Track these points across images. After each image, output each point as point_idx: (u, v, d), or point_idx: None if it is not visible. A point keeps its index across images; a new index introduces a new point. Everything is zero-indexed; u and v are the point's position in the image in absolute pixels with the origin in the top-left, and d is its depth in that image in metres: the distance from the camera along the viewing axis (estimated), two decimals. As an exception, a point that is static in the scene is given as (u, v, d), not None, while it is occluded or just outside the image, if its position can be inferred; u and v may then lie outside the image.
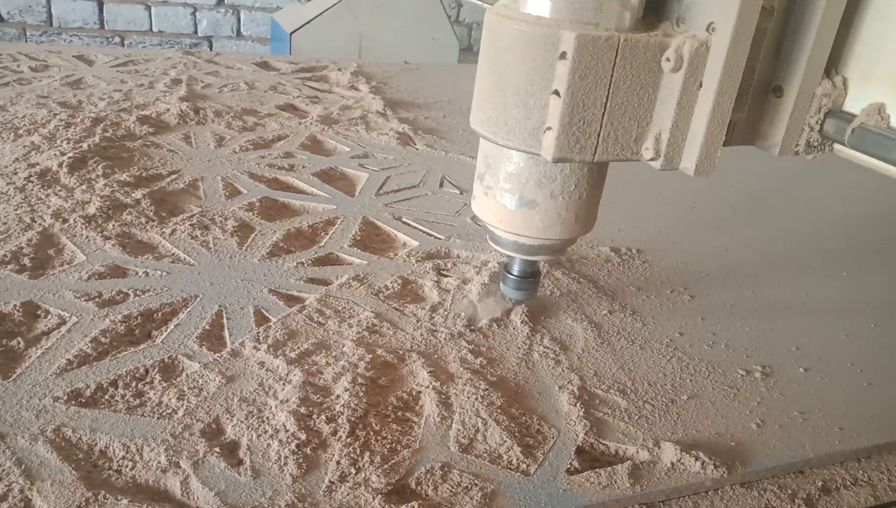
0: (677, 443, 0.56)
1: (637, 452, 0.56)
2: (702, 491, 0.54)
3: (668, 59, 0.52)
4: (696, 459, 0.55)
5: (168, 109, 1.21)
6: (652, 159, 0.55)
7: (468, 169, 1.12)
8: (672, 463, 0.55)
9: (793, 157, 0.58)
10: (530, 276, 0.71)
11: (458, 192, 1.03)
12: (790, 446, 0.59)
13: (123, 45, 2.24)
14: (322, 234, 0.87)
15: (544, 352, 0.67)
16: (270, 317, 0.68)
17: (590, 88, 0.52)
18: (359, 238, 0.86)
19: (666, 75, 0.52)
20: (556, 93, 0.52)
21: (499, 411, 0.58)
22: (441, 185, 1.05)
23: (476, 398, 0.59)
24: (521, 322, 0.71)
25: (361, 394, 0.58)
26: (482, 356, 0.65)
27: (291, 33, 2.31)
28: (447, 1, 2.62)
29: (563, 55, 0.51)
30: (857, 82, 0.55)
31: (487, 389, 0.60)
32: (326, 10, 2.42)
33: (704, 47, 0.51)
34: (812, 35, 0.53)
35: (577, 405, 0.60)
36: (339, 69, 1.66)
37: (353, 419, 0.55)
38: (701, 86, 0.52)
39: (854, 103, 0.55)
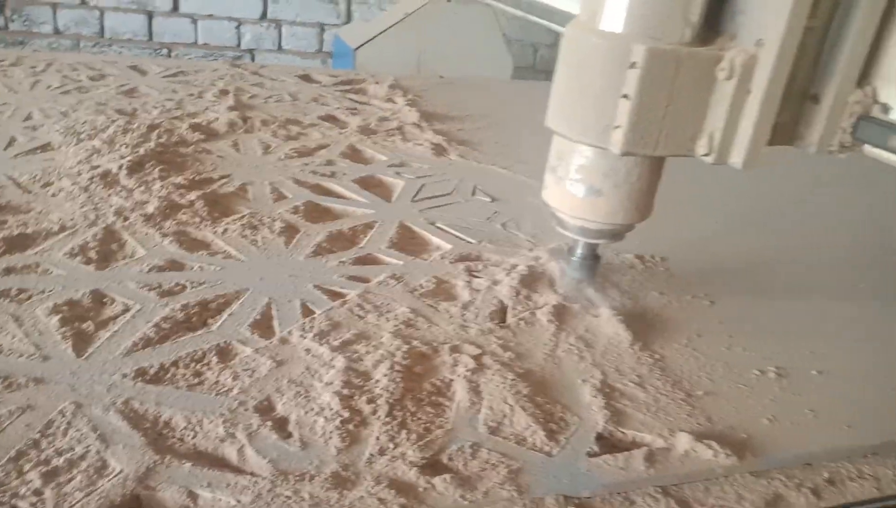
0: (692, 433, 0.61)
1: (653, 440, 0.60)
2: (713, 478, 0.58)
3: (722, 70, 0.61)
4: (709, 448, 0.59)
5: (217, 118, 1.28)
6: (705, 155, 0.64)
7: (499, 178, 1.18)
8: (686, 451, 0.59)
9: (826, 157, 0.65)
10: (592, 258, 0.81)
11: (489, 200, 1.08)
12: (799, 440, 0.63)
13: (170, 56, 2.35)
14: (361, 236, 0.92)
15: (569, 349, 0.72)
16: (315, 309, 0.73)
17: (654, 93, 0.61)
18: (395, 241, 0.92)
19: (720, 83, 0.62)
20: (626, 96, 0.61)
21: (525, 399, 0.63)
22: (473, 193, 1.10)
23: (504, 387, 0.64)
24: (548, 321, 0.76)
25: (398, 380, 0.63)
26: (510, 351, 0.70)
27: (356, 49, 2.41)
28: (504, 21, 2.71)
29: (633, 65, 0.60)
30: (886, 92, 0.61)
31: (515, 379, 0.65)
32: (390, 27, 2.55)
33: (753, 60, 0.60)
34: (847, 50, 0.60)
35: (599, 396, 0.65)
36: (377, 82, 1.72)
37: (391, 401, 0.60)
38: (749, 92, 0.61)
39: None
